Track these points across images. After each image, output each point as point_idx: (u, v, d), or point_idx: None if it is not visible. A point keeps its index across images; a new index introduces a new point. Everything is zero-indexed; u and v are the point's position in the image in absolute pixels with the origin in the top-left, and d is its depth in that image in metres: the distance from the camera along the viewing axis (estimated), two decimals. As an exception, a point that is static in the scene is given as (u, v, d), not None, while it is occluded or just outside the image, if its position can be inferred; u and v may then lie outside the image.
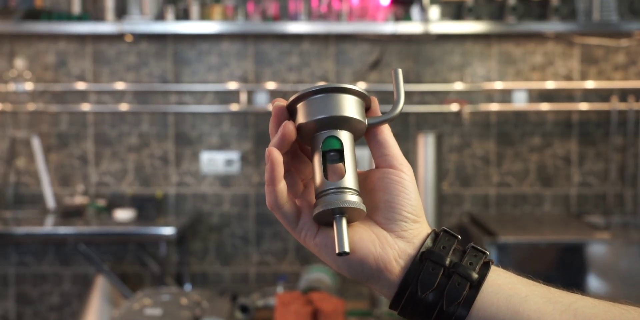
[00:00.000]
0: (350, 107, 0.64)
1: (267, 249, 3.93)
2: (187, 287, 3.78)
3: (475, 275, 0.64)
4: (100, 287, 3.47)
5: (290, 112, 0.66)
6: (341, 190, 0.62)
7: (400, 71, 0.67)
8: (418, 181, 2.18)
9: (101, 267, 3.52)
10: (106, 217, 3.67)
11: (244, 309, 2.07)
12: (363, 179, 0.68)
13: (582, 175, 3.90)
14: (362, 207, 0.63)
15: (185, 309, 2.03)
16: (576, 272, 3.13)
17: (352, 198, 0.62)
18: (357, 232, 0.65)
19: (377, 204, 0.66)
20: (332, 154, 0.65)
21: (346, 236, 0.61)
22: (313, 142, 0.65)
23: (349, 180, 0.63)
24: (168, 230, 3.40)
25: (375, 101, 0.68)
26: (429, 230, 0.67)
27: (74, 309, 3.86)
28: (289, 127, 0.63)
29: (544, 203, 3.91)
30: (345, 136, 0.65)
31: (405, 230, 0.65)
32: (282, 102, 0.66)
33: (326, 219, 0.63)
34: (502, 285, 0.65)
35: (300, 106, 0.65)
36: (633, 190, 3.87)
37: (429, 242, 0.66)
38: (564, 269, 3.15)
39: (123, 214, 3.58)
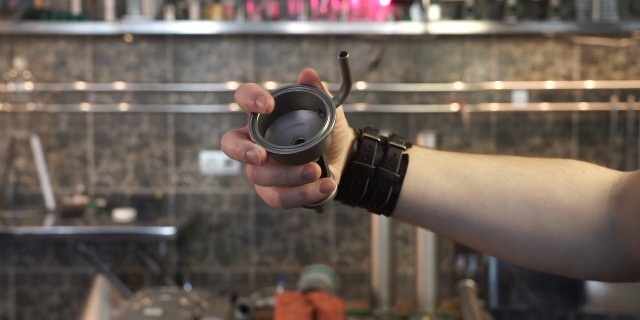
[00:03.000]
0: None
1: (267, 249, 3.93)
2: (187, 287, 3.77)
3: (397, 175, 0.72)
4: (100, 287, 3.47)
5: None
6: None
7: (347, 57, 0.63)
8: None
9: (101, 267, 3.52)
10: (106, 217, 3.66)
11: (244, 309, 2.07)
12: None
13: (582, 175, 3.89)
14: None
15: (185, 309, 2.03)
16: (576, 272, 3.12)
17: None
18: None
19: None
20: None
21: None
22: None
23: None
24: (168, 230, 3.40)
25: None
26: (352, 137, 0.72)
27: (74, 309, 3.86)
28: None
29: (543, 203, 3.90)
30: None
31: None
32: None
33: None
34: (410, 170, 0.71)
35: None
36: (633, 190, 3.86)
37: (354, 149, 0.72)
38: (564, 269, 3.14)
39: (123, 214, 3.58)
